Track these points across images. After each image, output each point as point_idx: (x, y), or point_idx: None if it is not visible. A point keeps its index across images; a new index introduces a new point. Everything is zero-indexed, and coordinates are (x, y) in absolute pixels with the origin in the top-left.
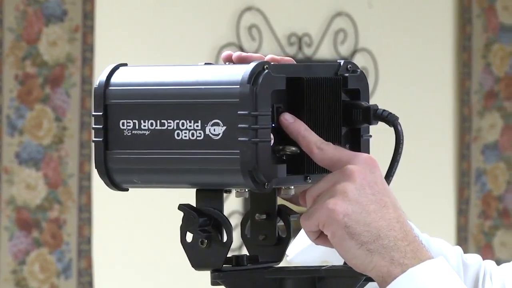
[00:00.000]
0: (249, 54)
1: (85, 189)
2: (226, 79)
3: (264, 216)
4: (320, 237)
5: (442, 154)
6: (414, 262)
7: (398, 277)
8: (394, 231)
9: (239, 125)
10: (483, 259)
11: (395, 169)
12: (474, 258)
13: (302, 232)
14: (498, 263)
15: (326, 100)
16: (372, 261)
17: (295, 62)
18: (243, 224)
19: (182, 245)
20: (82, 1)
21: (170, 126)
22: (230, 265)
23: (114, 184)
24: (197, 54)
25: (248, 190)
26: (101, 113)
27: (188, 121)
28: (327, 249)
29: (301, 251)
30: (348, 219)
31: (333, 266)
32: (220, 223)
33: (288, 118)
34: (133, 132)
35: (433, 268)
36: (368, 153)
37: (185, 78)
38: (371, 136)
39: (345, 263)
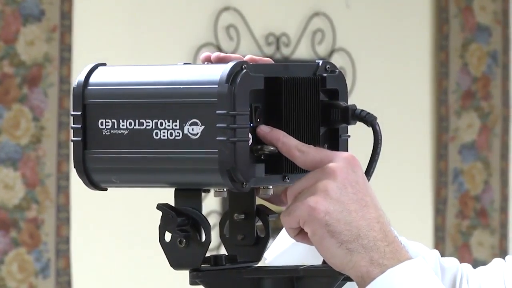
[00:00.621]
0: (227, 54)
1: (63, 189)
2: (205, 78)
3: (242, 216)
4: (299, 234)
5: (420, 153)
6: (393, 263)
7: (377, 278)
8: (374, 231)
9: (217, 125)
10: (461, 259)
11: (374, 169)
12: (451, 262)
13: (280, 235)
14: (476, 262)
15: (305, 100)
16: (352, 261)
17: (274, 63)
18: (221, 224)
19: (160, 244)
20: (59, 1)
21: (149, 125)
22: (209, 265)
23: (93, 183)
24: (175, 54)
25: (226, 190)
26: (79, 113)
27: (166, 121)
28: (305, 252)
29: (279, 254)
30: (329, 218)
31: (311, 265)
32: (198, 223)
33: (264, 129)
34: (111, 131)
35: (412, 268)
36: None
37: (163, 77)
38: (349, 136)
39: (323, 263)
